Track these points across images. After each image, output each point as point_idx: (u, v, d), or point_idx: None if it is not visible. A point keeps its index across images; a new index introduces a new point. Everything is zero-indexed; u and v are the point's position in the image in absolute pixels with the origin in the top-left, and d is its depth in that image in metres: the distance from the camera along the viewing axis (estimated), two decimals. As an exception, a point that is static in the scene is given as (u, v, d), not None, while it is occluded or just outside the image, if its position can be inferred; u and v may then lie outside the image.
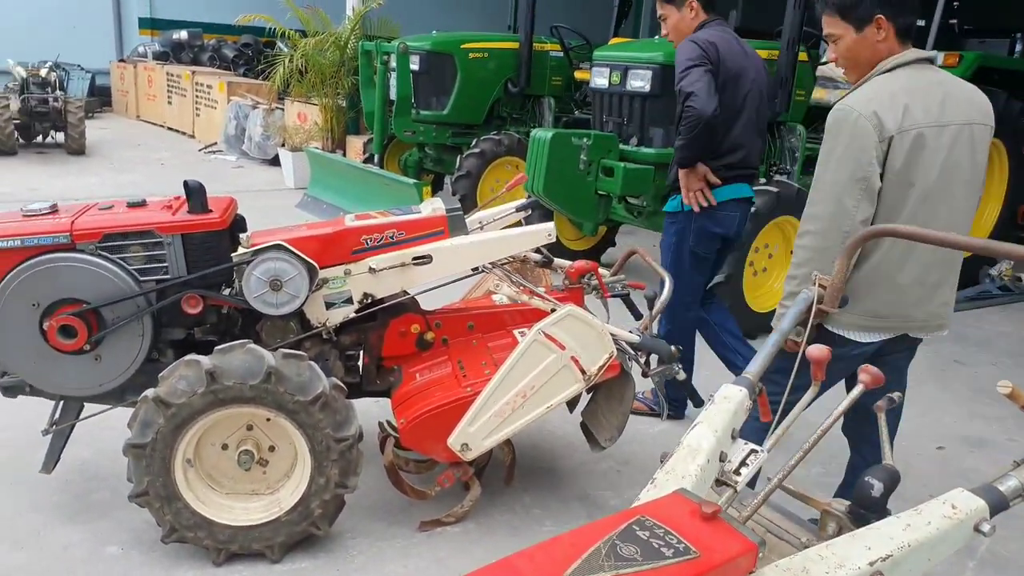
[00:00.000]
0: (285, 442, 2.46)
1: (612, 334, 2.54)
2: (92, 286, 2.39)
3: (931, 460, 3.44)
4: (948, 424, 3.83)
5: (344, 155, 8.89)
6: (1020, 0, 7.43)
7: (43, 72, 10.37)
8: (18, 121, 10.00)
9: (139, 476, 2.31)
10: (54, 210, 2.53)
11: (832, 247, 2.04)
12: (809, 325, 1.77)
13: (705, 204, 3.30)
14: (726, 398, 1.49)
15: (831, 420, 1.33)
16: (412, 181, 6.58)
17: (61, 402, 2.62)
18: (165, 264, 2.47)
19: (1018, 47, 7.50)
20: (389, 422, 2.90)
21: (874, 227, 1.70)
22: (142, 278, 2.45)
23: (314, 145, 8.87)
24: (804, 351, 1.53)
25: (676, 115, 3.27)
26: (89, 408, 2.62)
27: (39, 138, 10.57)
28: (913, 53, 2.15)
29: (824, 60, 5.55)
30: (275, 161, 9.74)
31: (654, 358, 2.65)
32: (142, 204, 2.59)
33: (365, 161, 7.87)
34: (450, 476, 2.64)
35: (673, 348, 2.62)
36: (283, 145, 9.52)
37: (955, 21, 5.47)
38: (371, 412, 3.14)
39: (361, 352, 2.83)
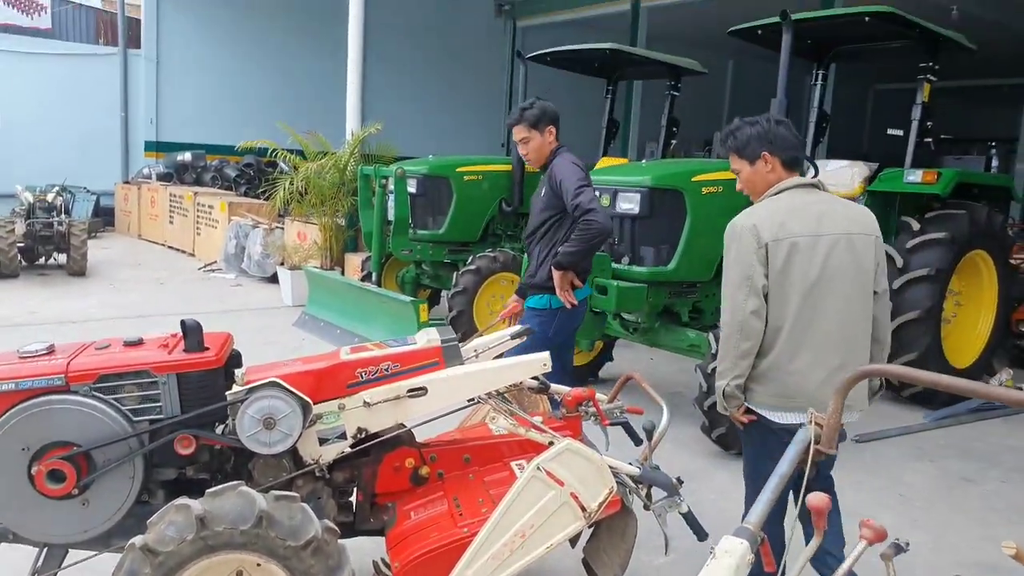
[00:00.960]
0: (276, 588, 2.37)
1: (612, 467, 2.50)
2: (84, 428, 2.37)
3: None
4: (964, 551, 3.71)
5: (343, 273, 9.01)
6: (992, 115, 7.78)
7: (50, 197, 10.63)
8: (22, 244, 10.18)
9: (123, 629, 2.21)
10: (50, 351, 2.54)
11: (732, 335, 2.59)
12: (809, 465, 1.75)
13: (575, 302, 3.88)
14: (727, 552, 1.45)
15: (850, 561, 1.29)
16: (409, 299, 6.65)
17: (44, 549, 2.54)
18: (159, 404, 2.46)
19: (994, 162, 7.79)
20: (384, 560, 2.80)
21: (867, 367, 1.71)
22: (135, 418, 2.44)
23: (313, 263, 9.00)
24: (804, 499, 1.50)
25: (569, 225, 3.80)
26: (73, 554, 2.54)
27: (41, 260, 10.73)
28: (795, 180, 2.69)
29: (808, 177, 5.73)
30: (274, 279, 9.86)
31: (656, 490, 2.60)
32: (139, 343, 2.60)
33: (363, 279, 7.98)
34: (447, 620, 2.53)
35: (675, 479, 2.58)
36: (282, 263, 9.67)
37: (930, 140, 5.69)
38: (364, 548, 3.04)
39: (355, 489, 2.78)
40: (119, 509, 2.43)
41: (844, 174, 5.98)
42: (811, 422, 1.81)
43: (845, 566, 1.33)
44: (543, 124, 3.89)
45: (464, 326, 6.45)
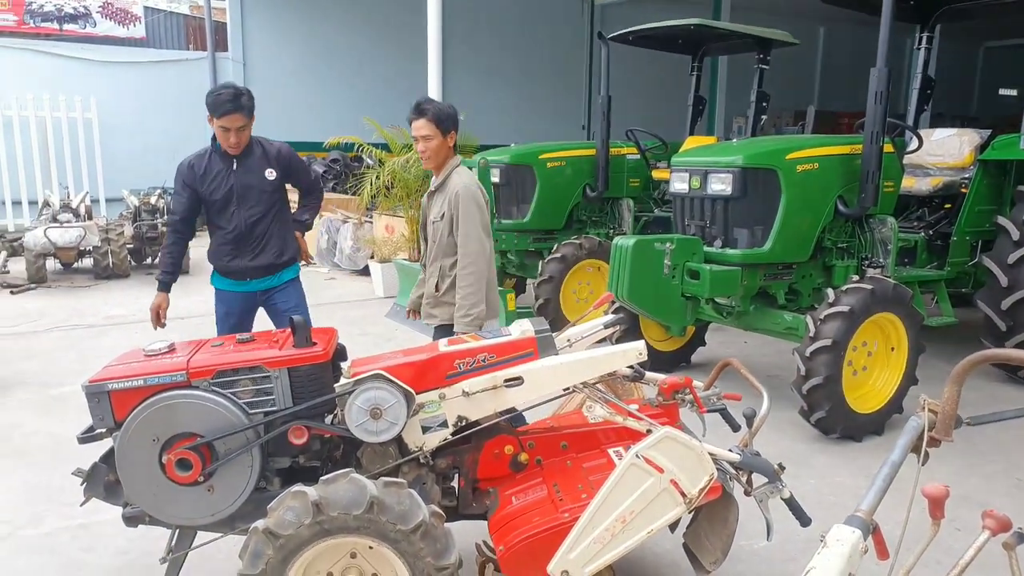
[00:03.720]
0: (387, 570, 2.47)
1: (711, 453, 2.49)
2: (206, 421, 2.53)
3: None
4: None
5: (430, 263, 9.17)
6: None
7: (152, 199, 11.22)
8: (131, 246, 10.79)
9: (250, 607, 2.36)
10: (171, 349, 2.72)
11: (484, 270, 3.63)
12: (922, 453, 1.71)
13: None
14: (839, 540, 1.44)
15: (957, 572, 1.27)
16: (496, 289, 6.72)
17: (176, 530, 2.73)
18: (272, 396, 2.60)
19: None
20: (486, 543, 2.89)
21: (987, 352, 1.66)
22: (251, 411, 2.58)
23: (401, 256, 9.21)
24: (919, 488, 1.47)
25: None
26: (201, 536, 2.72)
27: (149, 260, 11.35)
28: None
29: (911, 149, 5.49)
30: (365, 272, 10.15)
31: (756, 475, 2.58)
32: (251, 340, 2.75)
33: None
34: (551, 603, 2.59)
35: (776, 465, 2.55)
36: (372, 256, 9.93)
37: None
38: (466, 531, 3.13)
39: (457, 475, 2.86)
40: (240, 495, 2.58)
41: (951, 144, 5.69)
42: (924, 408, 1.76)
43: (968, 555, 1.30)
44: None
45: (551, 314, 6.49)
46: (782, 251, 4.94)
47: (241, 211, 4.01)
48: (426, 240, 3.97)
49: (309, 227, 4.48)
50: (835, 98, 18.68)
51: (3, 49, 13.97)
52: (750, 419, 2.67)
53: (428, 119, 3.67)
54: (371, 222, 10.69)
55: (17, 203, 13.53)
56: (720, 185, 4.89)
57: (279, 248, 4.13)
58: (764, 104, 6.87)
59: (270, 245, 4.10)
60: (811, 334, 4.46)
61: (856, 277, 4.80)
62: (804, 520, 2.71)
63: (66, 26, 14.59)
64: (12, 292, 9.52)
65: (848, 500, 3.83)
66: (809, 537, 3.33)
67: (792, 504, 2.61)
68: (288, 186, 4.27)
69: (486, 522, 2.75)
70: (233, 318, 4.16)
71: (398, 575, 2.44)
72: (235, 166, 4.00)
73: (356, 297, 9.26)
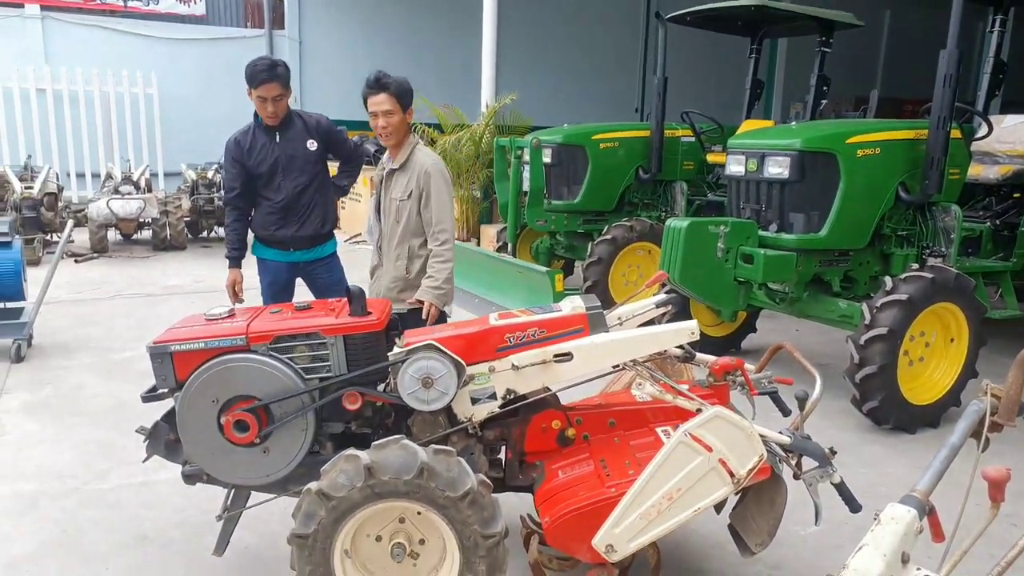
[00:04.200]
0: (435, 536, 2.53)
1: (762, 435, 2.47)
2: (264, 384, 2.60)
3: None
4: None
5: (478, 244, 9.22)
6: None
7: (209, 174, 11.48)
8: (188, 219, 11.07)
9: (301, 565, 2.43)
10: (231, 314, 2.80)
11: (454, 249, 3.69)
12: (983, 437, 1.67)
13: None
14: (893, 519, 1.42)
15: (1016, 551, 1.25)
16: (544, 269, 6.71)
17: (232, 490, 2.82)
18: (328, 363, 2.66)
19: None
20: (531, 516, 2.92)
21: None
22: (307, 376, 2.65)
23: (450, 234, 9.27)
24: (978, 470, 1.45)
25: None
26: (255, 496, 2.81)
27: (205, 233, 11.64)
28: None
29: (979, 135, 5.30)
30: (413, 249, 10.22)
31: (806, 459, 2.56)
32: (308, 308, 2.81)
33: (498, 249, 8.14)
34: (595, 576, 2.61)
35: (827, 449, 2.52)
36: (421, 234, 10.00)
37: None
38: (511, 504, 3.17)
39: (504, 447, 2.90)
40: (295, 457, 2.65)
41: (1023, 131, 5.49)
42: (986, 393, 1.72)
43: (1014, 553, 1.27)
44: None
45: (599, 297, 6.44)
46: (839, 237, 4.84)
47: (287, 181, 4.11)
48: (379, 221, 3.85)
49: (346, 192, 4.67)
50: (900, 84, 18.09)
51: (70, 25, 14.38)
52: (802, 402, 2.64)
53: (390, 94, 3.57)
54: (421, 201, 10.76)
55: (81, 175, 13.99)
56: (777, 168, 4.80)
57: (322, 218, 4.25)
58: (824, 88, 6.69)
59: (314, 214, 4.21)
60: (866, 322, 4.37)
61: (916, 266, 4.68)
62: (854, 506, 2.68)
63: (130, 3, 14.94)
64: (76, 261, 9.87)
65: (900, 491, 3.74)
66: (859, 525, 3.29)
67: (842, 489, 2.58)
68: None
69: (532, 495, 2.78)
70: (277, 287, 4.29)
71: (445, 541, 2.48)
72: (278, 138, 4.10)
73: (405, 274, 9.34)
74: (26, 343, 5.78)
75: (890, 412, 4.43)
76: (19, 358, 5.65)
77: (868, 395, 4.39)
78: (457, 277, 7.87)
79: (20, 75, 13.43)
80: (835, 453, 2.59)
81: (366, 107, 3.65)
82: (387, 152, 3.80)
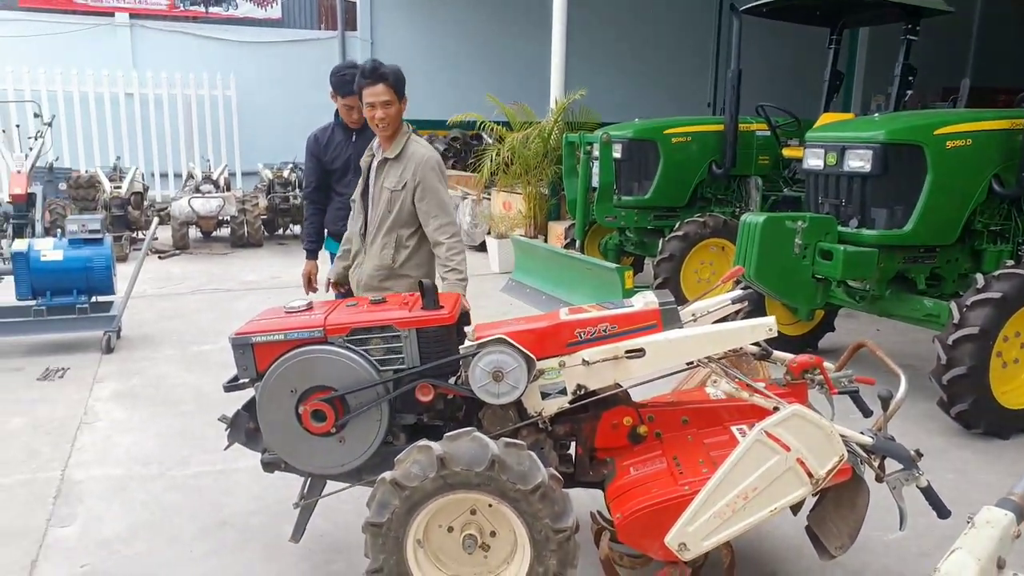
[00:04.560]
0: (506, 528, 2.53)
1: (842, 435, 2.39)
2: (340, 375, 2.65)
3: None
4: None
5: (546, 241, 9.22)
6: None
7: (285, 173, 11.80)
8: (265, 217, 11.41)
9: (375, 553, 2.48)
10: (310, 307, 2.86)
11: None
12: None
13: None
14: (989, 522, 1.35)
15: None
16: (614, 266, 6.67)
17: (309, 479, 2.89)
18: (402, 355, 2.70)
19: None
20: (601, 513, 2.90)
21: None
22: (382, 368, 2.69)
23: (518, 232, 9.29)
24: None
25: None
26: (330, 485, 2.87)
27: (280, 231, 11.97)
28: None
29: None
30: (482, 247, 10.32)
31: (890, 461, 2.46)
32: (382, 301, 2.86)
33: (566, 246, 8.11)
34: (667, 575, 2.57)
35: (913, 452, 2.42)
36: (489, 232, 10.07)
37: None
38: (581, 500, 3.15)
39: (574, 443, 2.88)
40: (369, 447, 2.70)
41: None
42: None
43: None
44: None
45: (671, 294, 6.37)
46: (925, 233, 4.64)
47: (358, 179, 4.16)
48: (364, 210, 3.75)
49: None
50: (992, 73, 17.22)
51: (156, 32, 14.99)
52: (885, 402, 2.54)
53: (388, 84, 3.47)
54: (489, 199, 10.83)
55: (164, 175, 14.57)
56: (858, 162, 4.64)
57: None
58: (910, 78, 6.41)
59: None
60: (955, 321, 4.18)
61: (1011, 263, 4.45)
62: (943, 512, 2.56)
63: (211, 8, 15.48)
64: (160, 257, 10.30)
65: (991, 499, 3.57)
66: (946, 532, 3.15)
67: (929, 493, 2.47)
68: None
69: (602, 491, 2.76)
70: None
71: (516, 534, 2.49)
72: (354, 138, 4.28)
73: (473, 271, 9.35)
74: (115, 335, 6.06)
75: (981, 416, 4.23)
76: (109, 349, 5.93)
77: (957, 398, 4.20)
78: (524, 273, 7.99)
79: (110, 80, 14.07)
80: (921, 456, 2.49)
81: (360, 98, 3.57)
82: (376, 140, 3.71)
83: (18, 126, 11.00)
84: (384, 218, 3.63)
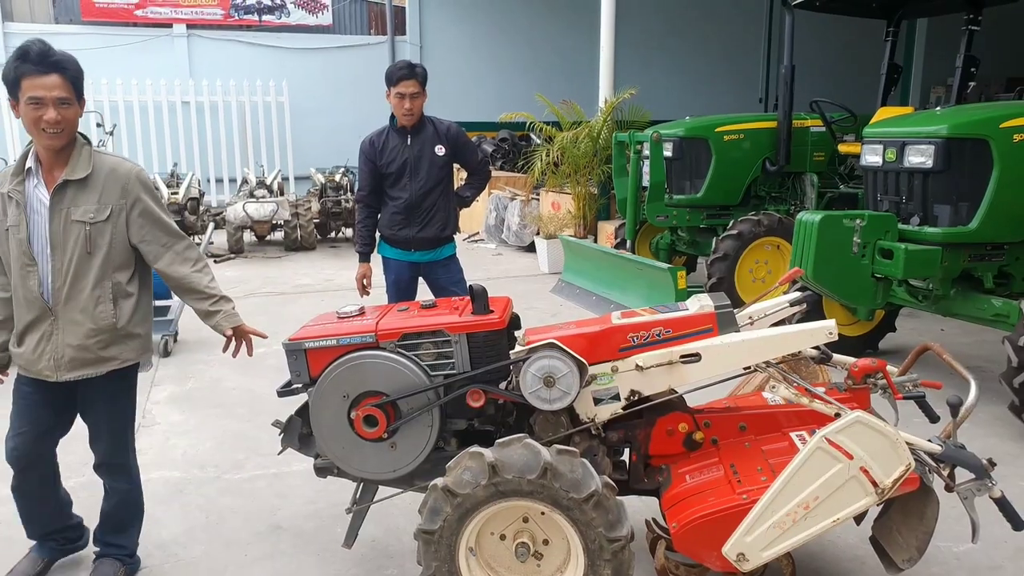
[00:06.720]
0: (559, 537, 2.50)
1: (908, 443, 2.30)
2: (392, 380, 2.65)
3: None
4: None
5: (595, 241, 9.15)
6: None
7: (337, 177, 11.95)
8: (317, 220, 11.57)
9: (428, 560, 2.47)
10: (361, 312, 2.88)
11: None
12: None
13: None
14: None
15: None
16: (666, 266, 6.57)
17: (361, 484, 2.90)
18: (452, 360, 2.68)
19: None
20: (656, 520, 2.84)
21: None
22: (433, 373, 2.68)
23: (567, 232, 9.23)
24: None
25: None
26: (382, 491, 2.87)
27: (332, 234, 12.13)
28: None
29: None
30: (531, 248, 10.30)
31: (960, 470, 2.35)
32: (433, 306, 2.85)
33: (616, 246, 8.03)
34: (724, 586, 2.51)
35: (985, 460, 2.31)
36: (538, 233, 10.05)
37: None
38: (635, 508, 3.10)
39: (628, 449, 2.83)
40: (420, 453, 2.70)
41: None
42: None
43: None
44: (425, 84, 4.21)
45: (725, 294, 6.24)
46: (992, 230, 4.45)
47: (413, 183, 4.30)
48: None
49: (468, 204, 4.71)
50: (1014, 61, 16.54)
51: (211, 41, 15.37)
52: (955, 408, 2.43)
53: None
54: (538, 199, 10.80)
55: (219, 181, 14.91)
56: (920, 157, 4.47)
57: (443, 221, 4.40)
58: (972, 70, 6.16)
59: (436, 218, 4.37)
60: (1026, 321, 4.00)
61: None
62: (1018, 523, 2.44)
63: (264, 17, 15.80)
64: (216, 261, 10.52)
65: (1066, 509, 3.41)
66: (1020, 544, 3.03)
67: (1004, 504, 2.36)
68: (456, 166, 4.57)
69: (657, 499, 2.70)
70: (401, 285, 4.48)
71: (570, 543, 2.45)
72: (409, 140, 4.30)
73: (522, 272, 9.42)
74: (172, 339, 6.20)
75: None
76: (166, 353, 6.08)
77: (1029, 402, 4.02)
78: (574, 274, 7.94)
79: (168, 89, 14.46)
80: (994, 465, 2.38)
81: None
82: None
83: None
84: (84, 262, 2.69)
